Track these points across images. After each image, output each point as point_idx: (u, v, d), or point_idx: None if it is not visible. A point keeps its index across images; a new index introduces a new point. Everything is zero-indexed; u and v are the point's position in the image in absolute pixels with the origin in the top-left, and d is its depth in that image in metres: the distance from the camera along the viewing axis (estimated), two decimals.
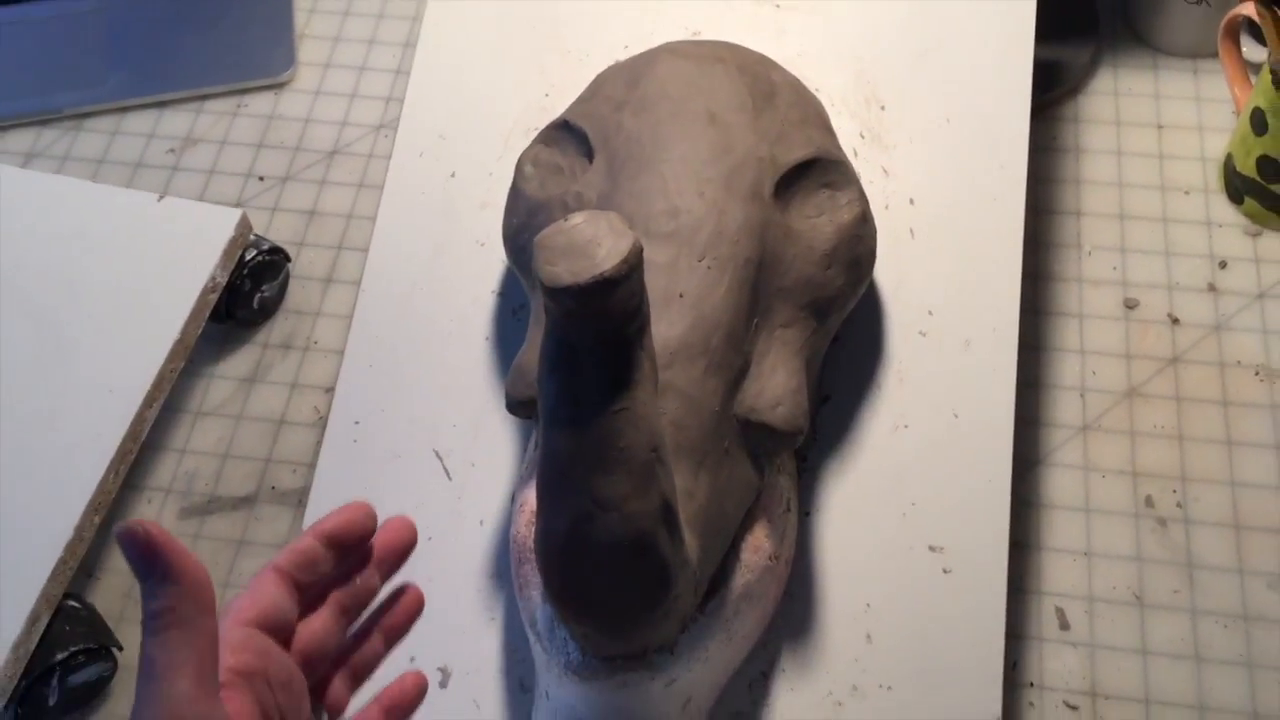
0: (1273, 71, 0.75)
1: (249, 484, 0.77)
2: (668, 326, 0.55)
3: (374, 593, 0.46)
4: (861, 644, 0.62)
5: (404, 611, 0.47)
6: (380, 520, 0.45)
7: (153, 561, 0.37)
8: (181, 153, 0.91)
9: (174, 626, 0.37)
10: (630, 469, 0.46)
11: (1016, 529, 0.70)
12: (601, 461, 0.46)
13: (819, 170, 0.62)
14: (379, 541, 0.46)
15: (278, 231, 0.86)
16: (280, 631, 0.42)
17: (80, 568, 0.71)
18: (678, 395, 0.54)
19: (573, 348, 0.45)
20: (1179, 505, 0.72)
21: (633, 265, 0.44)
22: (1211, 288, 0.80)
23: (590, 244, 0.44)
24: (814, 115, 0.66)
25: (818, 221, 0.62)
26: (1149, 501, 0.72)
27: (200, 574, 0.38)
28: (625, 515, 0.46)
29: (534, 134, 0.73)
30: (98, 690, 0.70)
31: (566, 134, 0.65)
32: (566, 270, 0.43)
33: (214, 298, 0.76)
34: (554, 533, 0.47)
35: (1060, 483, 0.73)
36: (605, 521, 0.46)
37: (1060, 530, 0.72)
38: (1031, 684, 0.68)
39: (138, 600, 0.72)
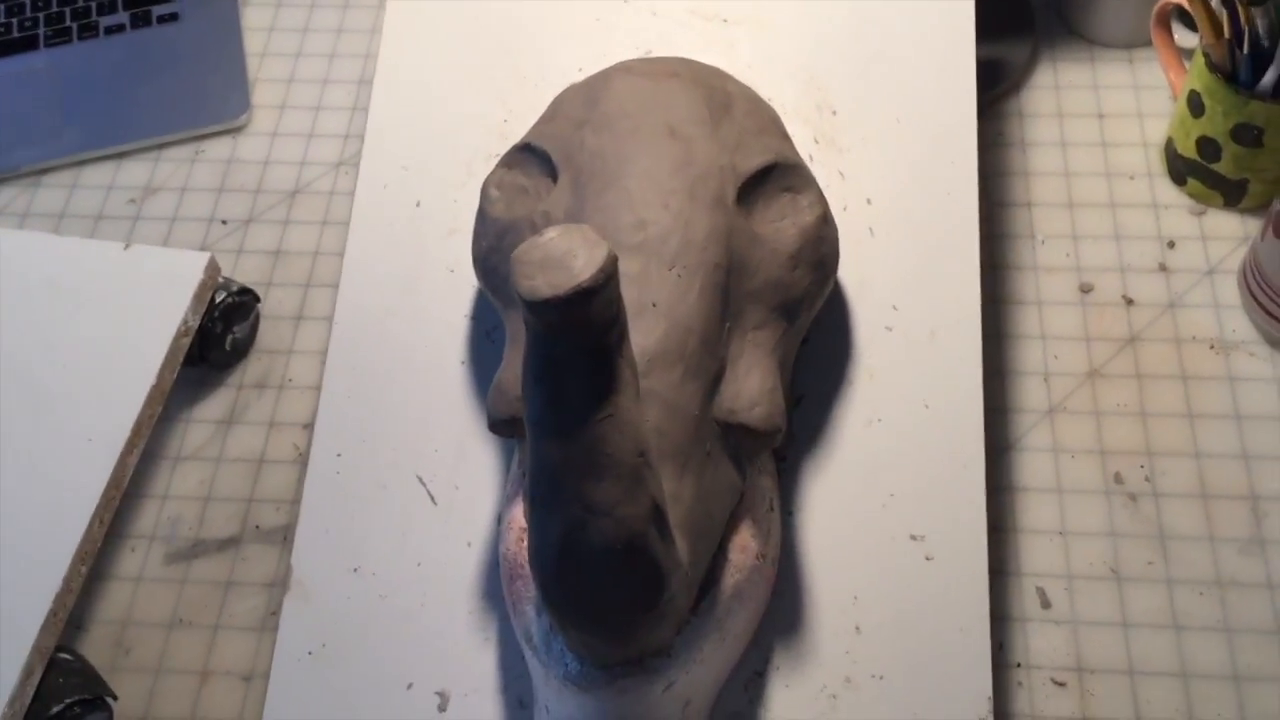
0: (1205, 55, 0.78)
1: (233, 525, 0.77)
2: (643, 335, 0.56)
3: None
4: (851, 636, 0.63)
5: None
6: None
7: None
8: (142, 202, 0.92)
9: None
10: (619, 474, 0.47)
11: (993, 513, 0.72)
12: (591, 468, 0.47)
13: (779, 175, 0.64)
14: None
15: (244, 273, 0.87)
16: None
17: (70, 620, 0.71)
18: (658, 401, 0.55)
19: (555, 359, 0.46)
20: (1147, 479, 0.74)
21: (609, 274, 0.45)
22: (1162, 267, 0.82)
23: (566, 256, 0.45)
24: (770, 122, 0.67)
25: (781, 225, 0.63)
26: (1118, 478, 0.74)
27: None
28: (617, 519, 0.47)
29: (495, 160, 0.74)
30: None
31: (529, 156, 0.66)
32: (545, 283, 0.44)
33: (187, 341, 0.76)
34: (548, 541, 0.48)
35: (1032, 466, 0.75)
36: (598, 526, 0.47)
37: (1035, 512, 0.73)
38: (1019, 664, 0.69)
39: (128, 649, 0.72)
